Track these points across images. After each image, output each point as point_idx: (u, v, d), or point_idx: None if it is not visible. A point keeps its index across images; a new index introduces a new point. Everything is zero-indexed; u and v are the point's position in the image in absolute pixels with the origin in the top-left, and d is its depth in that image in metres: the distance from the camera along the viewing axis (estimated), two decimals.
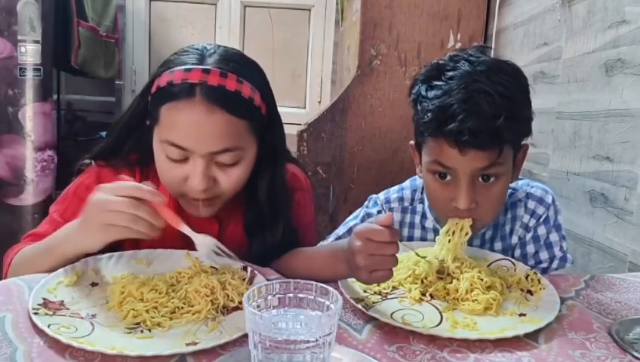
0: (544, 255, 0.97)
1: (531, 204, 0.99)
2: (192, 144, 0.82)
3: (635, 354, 0.65)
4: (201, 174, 0.83)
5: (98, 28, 2.60)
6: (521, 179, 1.03)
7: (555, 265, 0.97)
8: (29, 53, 2.08)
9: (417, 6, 2.03)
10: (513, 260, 0.91)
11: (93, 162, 0.96)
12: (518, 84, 0.87)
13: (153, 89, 0.87)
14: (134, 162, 0.94)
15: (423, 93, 0.88)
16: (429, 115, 0.84)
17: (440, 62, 0.90)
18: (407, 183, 1.07)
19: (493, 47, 2.02)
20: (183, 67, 0.84)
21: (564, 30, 1.53)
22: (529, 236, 0.99)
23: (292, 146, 2.05)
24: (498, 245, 1.00)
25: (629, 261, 1.17)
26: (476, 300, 0.77)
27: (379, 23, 2.04)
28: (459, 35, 2.06)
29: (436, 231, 1.01)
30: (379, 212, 1.03)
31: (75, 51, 2.38)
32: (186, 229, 0.78)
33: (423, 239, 1.02)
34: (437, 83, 0.86)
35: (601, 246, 1.28)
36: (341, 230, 1.03)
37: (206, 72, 0.83)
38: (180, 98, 0.81)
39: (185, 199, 0.88)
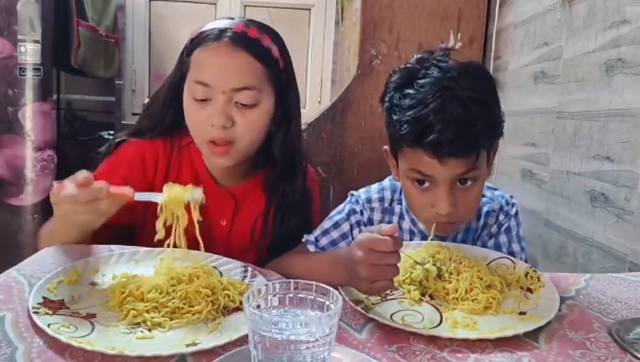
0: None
1: (501, 216, 1.02)
2: (216, 80, 0.93)
3: (636, 353, 0.65)
4: (221, 110, 0.93)
5: (98, 27, 2.60)
6: (496, 189, 1.06)
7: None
8: (29, 52, 2.08)
9: (417, 6, 2.03)
10: (513, 258, 0.91)
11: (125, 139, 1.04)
12: (487, 86, 0.89)
13: (188, 43, 0.99)
14: (168, 130, 1.03)
15: (396, 101, 0.89)
16: (405, 126, 0.85)
17: (408, 66, 0.91)
18: (387, 183, 1.07)
19: (493, 46, 2.02)
20: (213, 22, 0.99)
21: (564, 30, 1.53)
22: (491, 243, 1.00)
23: None
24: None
25: (630, 261, 1.17)
26: (476, 299, 0.77)
27: (379, 23, 2.04)
28: (459, 35, 2.05)
29: (412, 233, 1.02)
30: (361, 211, 1.04)
31: (74, 51, 2.38)
32: (141, 196, 0.83)
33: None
34: (409, 91, 0.87)
35: (602, 246, 1.28)
36: (327, 224, 1.02)
37: (232, 22, 0.97)
38: (209, 40, 0.94)
39: (207, 146, 0.96)
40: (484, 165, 0.91)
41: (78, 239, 0.88)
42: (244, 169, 1.05)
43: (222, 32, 0.94)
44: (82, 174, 0.78)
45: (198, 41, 0.96)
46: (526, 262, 0.99)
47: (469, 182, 0.88)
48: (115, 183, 0.82)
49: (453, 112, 0.82)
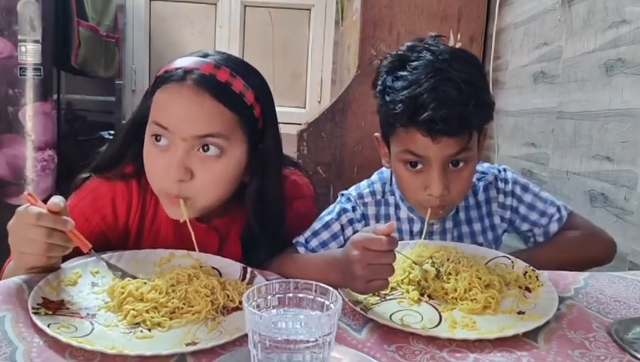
0: (550, 209, 1.03)
1: (501, 184, 1.05)
2: (176, 125, 0.83)
3: (635, 353, 0.65)
4: (178, 162, 0.82)
5: (98, 27, 2.60)
6: (484, 162, 1.10)
7: (564, 212, 1.03)
8: (29, 52, 2.08)
9: (417, 6, 2.03)
10: (512, 257, 0.91)
11: (91, 174, 0.96)
12: (478, 70, 0.92)
13: (152, 81, 0.89)
14: (131, 175, 0.94)
15: (390, 84, 0.90)
16: (399, 105, 0.87)
17: (400, 52, 0.93)
18: (375, 177, 1.08)
19: (493, 46, 2.02)
20: (181, 58, 0.88)
21: (564, 30, 1.53)
22: (523, 208, 1.04)
23: (292, 146, 2.05)
24: (477, 226, 1.05)
25: (629, 260, 1.18)
26: (475, 299, 0.77)
27: (379, 23, 2.04)
28: (459, 35, 2.06)
29: (411, 221, 1.03)
30: (353, 208, 1.04)
31: (75, 51, 2.38)
32: (94, 254, 0.80)
33: (399, 229, 1.04)
34: (402, 73, 0.89)
35: None
36: (317, 225, 1.01)
37: (202, 61, 0.86)
38: (172, 81, 0.84)
39: (164, 197, 0.88)
40: (476, 147, 0.93)
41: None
42: (224, 204, 0.94)
43: (186, 73, 0.84)
44: (57, 200, 0.74)
45: (161, 80, 0.86)
46: (558, 204, 1.04)
47: (461, 164, 0.90)
48: (84, 230, 0.81)
49: (446, 92, 0.84)
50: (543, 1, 1.68)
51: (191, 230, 0.87)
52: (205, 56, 0.88)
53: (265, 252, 0.92)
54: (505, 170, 1.07)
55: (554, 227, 1.02)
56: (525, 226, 1.04)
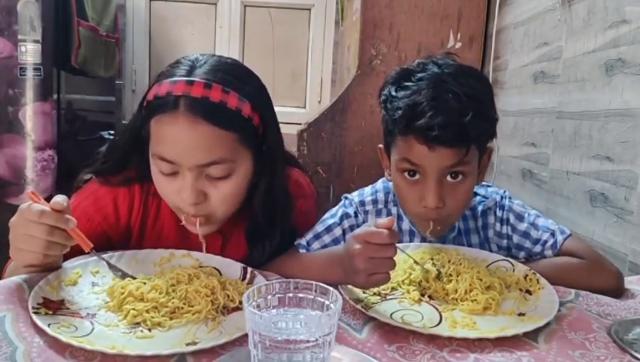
0: (544, 236, 0.96)
1: (499, 212, 1.01)
2: (178, 157, 0.82)
3: (635, 354, 0.65)
4: (190, 187, 0.83)
5: (98, 27, 2.60)
6: (489, 186, 1.06)
7: (559, 236, 0.95)
8: (29, 52, 2.08)
9: (417, 6, 2.03)
10: (512, 261, 0.91)
11: (92, 176, 0.96)
12: (483, 86, 0.92)
13: (144, 103, 0.86)
14: (134, 179, 0.94)
15: (393, 93, 0.91)
16: (399, 112, 0.87)
17: (409, 67, 0.93)
18: (379, 185, 1.07)
19: (493, 46, 2.02)
20: (169, 80, 0.84)
21: (564, 30, 1.53)
22: (517, 237, 0.99)
23: (292, 146, 2.05)
24: None
25: (629, 261, 1.17)
26: (475, 300, 0.77)
27: (379, 23, 2.04)
28: (459, 35, 2.06)
29: (412, 234, 1.02)
30: (355, 213, 1.03)
31: (75, 51, 2.38)
32: (95, 254, 0.80)
33: (399, 242, 1.02)
34: (406, 84, 0.89)
35: (601, 246, 1.28)
36: (319, 227, 1.01)
37: (190, 83, 0.82)
38: (164, 111, 0.82)
39: (182, 215, 0.89)
40: (475, 164, 0.91)
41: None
42: None
43: (178, 99, 0.81)
44: (59, 199, 0.74)
45: (153, 107, 0.83)
46: (554, 229, 0.96)
47: (459, 177, 0.89)
48: (86, 229, 0.81)
49: (446, 102, 0.84)
50: (542, 1, 1.68)
51: (203, 241, 0.89)
52: (192, 70, 0.84)
53: (271, 243, 0.93)
54: (506, 196, 1.02)
55: (548, 254, 0.95)
56: (522, 254, 0.99)
